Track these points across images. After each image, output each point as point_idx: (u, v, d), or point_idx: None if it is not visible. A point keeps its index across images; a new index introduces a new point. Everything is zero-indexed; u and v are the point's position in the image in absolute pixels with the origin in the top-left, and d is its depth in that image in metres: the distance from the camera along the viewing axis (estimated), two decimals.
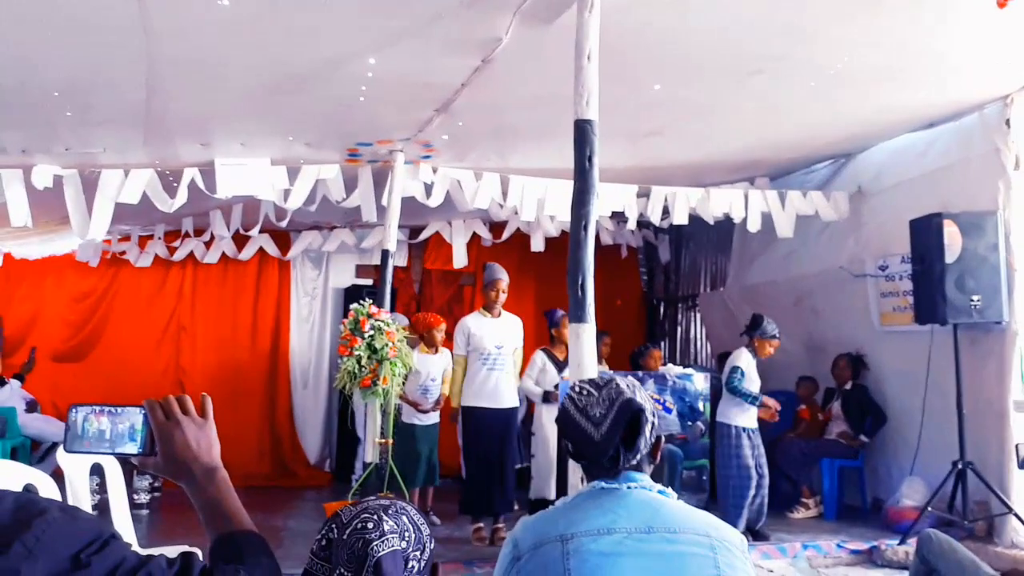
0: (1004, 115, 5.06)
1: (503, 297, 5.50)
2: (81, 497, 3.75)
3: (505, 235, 7.65)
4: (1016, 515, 4.75)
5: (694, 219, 6.63)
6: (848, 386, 6.37)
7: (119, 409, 1.27)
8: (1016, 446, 2.76)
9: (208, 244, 7.83)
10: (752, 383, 5.53)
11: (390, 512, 1.31)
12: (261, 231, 7.45)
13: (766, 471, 5.52)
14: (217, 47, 3.92)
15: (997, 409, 5.00)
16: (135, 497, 6.15)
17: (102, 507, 4.00)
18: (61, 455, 4.01)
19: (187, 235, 7.70)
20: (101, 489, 4.16)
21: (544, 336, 6.23)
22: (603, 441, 1.59)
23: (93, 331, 8.23)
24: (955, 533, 3.85)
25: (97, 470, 4.06)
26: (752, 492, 5.41)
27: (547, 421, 5.54)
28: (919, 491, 5.46)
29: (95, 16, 3.50)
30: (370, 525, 1.28)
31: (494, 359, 5.39)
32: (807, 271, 6.91)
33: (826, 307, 6.80)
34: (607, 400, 1.62)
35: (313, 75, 4.34)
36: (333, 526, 1.30)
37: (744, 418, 5.51)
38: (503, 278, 5.50)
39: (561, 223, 6.95)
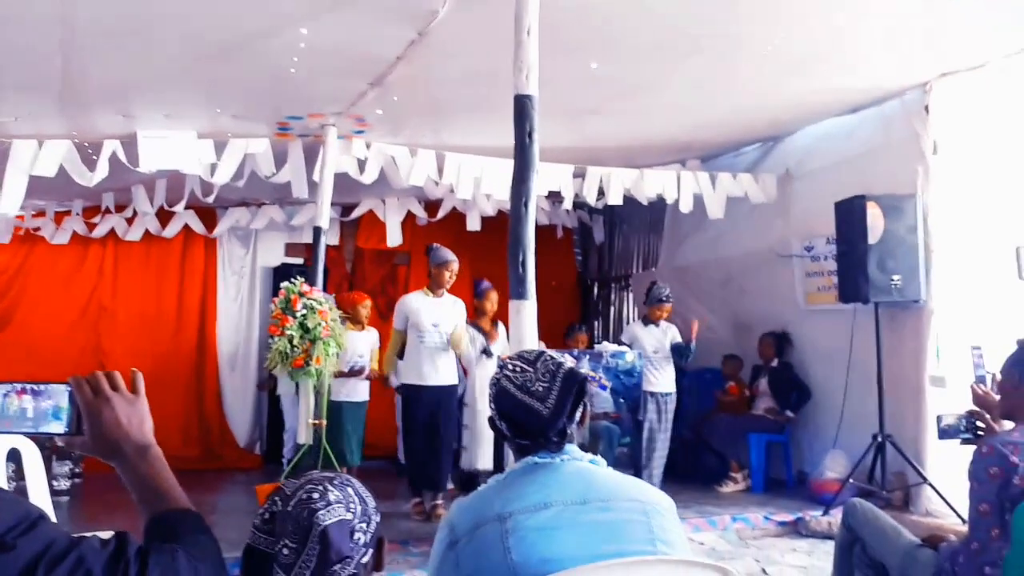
0: (923, 101, 5.25)
1: (453, 280, 5.45)
2: None
3: (440, 214, 7.58)
4: (931, 485, 4.99)
5: (628, 200, 6.70)
6: (774, 363, 6.56)
7: (42, 386, 1.22)
8: (937, 417, 2.87)
9: (130, 221, 7.52)
10: (642, 347, 6.02)
11: (335, 483, 1.29)
12: (186, 207, 7.17)
13: (662, 433, 5.99)
14: (140, 11, 3.74)
15: (914, 384, 5.23)
16: (55, 483, 5.87)
17: (19, 494, 3.82)
18: None
19: (108, 211, 7.37)
20: (18, 475, 3.98)
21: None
22: (552, 415, 1.59)
23: (5, 312, 7.81)
24: (874, 502, 3.99)
25: (14, 456, 3.87)
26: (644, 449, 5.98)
27: (480, 392, 5.54)
28: (841, 464, 5.68)
29: None
30: (315, 495, 1.25)
31: (430, 337, 5.36)
32: (736, 252, 7.07)
33: (753, 287, 6.98)
34: (547, 373, 1.62)
35: (243, 44, 4.18)
36: (277, 499, 1.26)
37: (647, 382, 5.99)
38: (455, 259, 5.46)
39: (497, 202, 6.92)
